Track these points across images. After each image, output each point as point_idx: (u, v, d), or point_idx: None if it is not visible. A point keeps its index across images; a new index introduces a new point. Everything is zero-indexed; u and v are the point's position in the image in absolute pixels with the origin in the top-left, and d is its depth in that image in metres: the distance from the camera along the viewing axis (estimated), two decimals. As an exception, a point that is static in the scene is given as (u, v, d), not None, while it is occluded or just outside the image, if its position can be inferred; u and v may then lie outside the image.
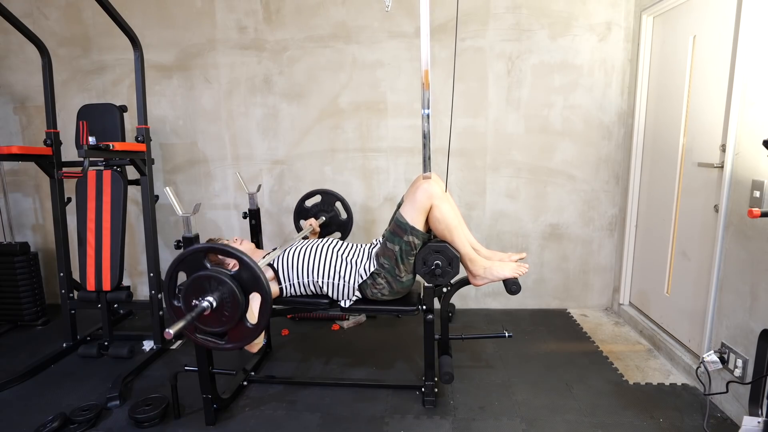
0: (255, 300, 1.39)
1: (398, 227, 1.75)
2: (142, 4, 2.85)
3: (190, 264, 1.37)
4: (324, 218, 2.50)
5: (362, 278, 1.84)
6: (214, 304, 1.33)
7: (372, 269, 1.83)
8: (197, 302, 1.32)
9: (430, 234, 1.85)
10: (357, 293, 1.87)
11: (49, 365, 2.33)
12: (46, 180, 2.98)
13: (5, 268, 2.74)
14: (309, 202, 2.56)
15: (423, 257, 1.75)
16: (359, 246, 1.96)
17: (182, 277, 1.40)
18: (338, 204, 2.54)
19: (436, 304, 1.87)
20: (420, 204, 1.72)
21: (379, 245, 1.89)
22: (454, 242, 1.76)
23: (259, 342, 1.68)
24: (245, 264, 1.33)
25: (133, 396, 2.04)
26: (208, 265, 1.36)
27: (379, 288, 1.83)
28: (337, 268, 1.86)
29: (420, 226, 1.74)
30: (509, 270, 1.81)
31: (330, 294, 1.89)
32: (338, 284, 1.86)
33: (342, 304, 1.89)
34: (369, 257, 1.86)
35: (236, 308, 1.34)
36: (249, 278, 1.34)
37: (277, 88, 2.87)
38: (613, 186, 2.82)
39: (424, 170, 1.73)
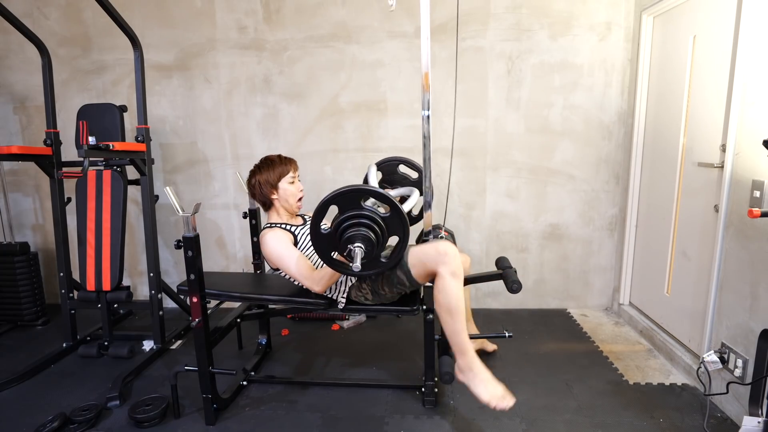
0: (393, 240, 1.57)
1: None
2: (142, 4, 2.85)
3: (347, 201, 1.52)
4: (401, 194, 2.07)
5: (351, 281, 1.82)
6: (370, 238, 1.49)
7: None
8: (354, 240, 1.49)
9: (421, 286, 1.75)
10: (344, 295, 1.84)
11: (49, 365, 2.33)
12: (46, 180, 2.98)
13: (5, 268, 2.74)
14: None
15: None
16: None
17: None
18: (402, 167, 2.20)
19: (436, 304, 1.87)
20: (426, 258, 1.60)
21: None
22: (454, 327, 1.60)
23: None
24: (397, 211, 1.51)
25: (133, 396, 2.04)
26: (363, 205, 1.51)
27: (363, 293, 1.81)
28: None
29: (416, 275, 1.66)
30: (488, 394, 1.56)
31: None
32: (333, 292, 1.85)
33: (339, 306, 1.87)
34: None
35: (379, 246, 1.52)
36: (396, 223, 1.52)
37: (277, 88, 2.87)
38: (613, 186, 2.82)
39: (424, 171, 1.72)
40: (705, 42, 2.05)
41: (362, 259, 1.45)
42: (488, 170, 2.86)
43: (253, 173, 1.96)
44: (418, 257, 1.64)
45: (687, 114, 2.20)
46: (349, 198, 1.49)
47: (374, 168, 2.05)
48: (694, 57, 2.15)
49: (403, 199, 2.01)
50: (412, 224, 2.18)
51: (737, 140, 1.80)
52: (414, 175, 2.22)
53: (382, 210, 1.52)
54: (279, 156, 1.98)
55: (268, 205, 1.98)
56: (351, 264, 1.46)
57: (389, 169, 2.22)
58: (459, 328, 1.61)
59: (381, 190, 1.49)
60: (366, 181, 2.04)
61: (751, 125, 1.72)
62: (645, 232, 2.64)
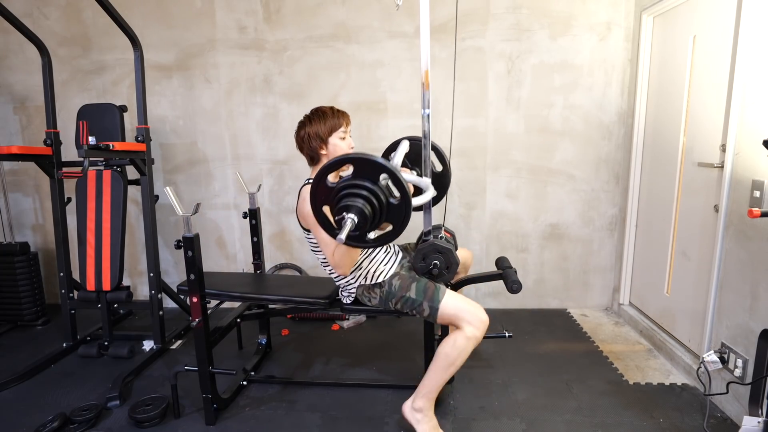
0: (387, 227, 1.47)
1: (432, 292, 1.69)
2: (142, 4, 2.85)
3: (367, 169, 1.40)
4: (416, 171, 2.01)
5: (366, 281, 1.79)
6: (364, 211, 1.38)
7: (379, 279, 1.77)
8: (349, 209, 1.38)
9: (434, 327, 1.83)
10: (352, 295, 1.83)
11: (49, 365, 2.33)
12: (46, 180, 2.97)
13: (5, 268, 2.74)
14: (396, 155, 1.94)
15: (424, 253, 1.75)
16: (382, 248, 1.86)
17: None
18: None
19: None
20: (464, 313, 1.62)
21: (405, 264, 1.85)
22: (440, 379, 1.64)
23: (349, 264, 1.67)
24: (406, 202, 1.39)
25: (133, 396, 2.04)
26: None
27: (370, 295, 1.80)
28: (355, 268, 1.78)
29: (441, 315, 1.66)
30: None
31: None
32: (342, 282, 1.84)
33: (344, 300, 1.87)
34: (386, 263, 1.81)
35: (370, 226, 1.41)
36: (397, 214, 1.41)
37: (277, 88, 2.87)
38: (613, 186, 2.82)
39: (424, 170, 1.72)
40: (705, 42, 2.05)
41: (350, 231, 1.37)
42: (488, 170, 2.86)
43: (303, 125, 1.79)
44: (456, 306, 1.64)
45: (687, 114, 2.20)
46: (370, 167, 1.38)
47: (406, 144, 1.86)
48: (694, 57, 2.15)
49: (417, 189, 1.96)
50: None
51: (737, 140, 1.80)
52: (438, 167, 2.05)
53: (395, 193, 1.44)
54: (331, 108, 1.80)
55: (315, 160, 1.84)
56: (337, 231, 1.38)
57: (415, 149, 2.01)
58: (442, 381, 1.65)
59: (404, 180, 1.39)
60: (392, 152, 1.89)
61: (751, 125, 1.72)
62: (645, 232, 2.64)
